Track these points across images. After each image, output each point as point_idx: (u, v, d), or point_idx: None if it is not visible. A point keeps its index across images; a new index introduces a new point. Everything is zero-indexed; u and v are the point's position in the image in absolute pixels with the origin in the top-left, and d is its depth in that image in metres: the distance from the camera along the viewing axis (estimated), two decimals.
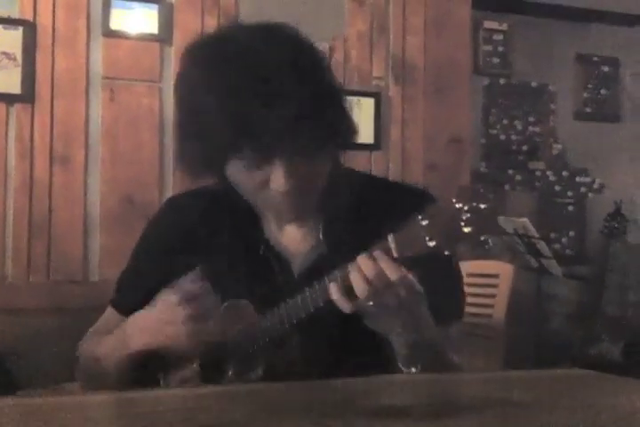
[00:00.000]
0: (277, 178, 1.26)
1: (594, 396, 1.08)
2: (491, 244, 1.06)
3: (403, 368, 1.25)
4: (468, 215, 1.06)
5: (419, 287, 1.18)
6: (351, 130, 1.35)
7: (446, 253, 1.10)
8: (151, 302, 1.35)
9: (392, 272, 1.13)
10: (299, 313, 1.26)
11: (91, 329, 1.54)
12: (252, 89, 1.21)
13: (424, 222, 1.09)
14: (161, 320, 1.29)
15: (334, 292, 1.17)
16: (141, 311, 1.36)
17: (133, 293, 1.48)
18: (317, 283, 1.22)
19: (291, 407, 0.98)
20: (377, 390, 1.12)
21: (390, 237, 1.13)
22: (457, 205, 1.06)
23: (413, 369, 1.23)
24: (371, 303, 1.15)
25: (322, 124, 1.25)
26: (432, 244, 1.08)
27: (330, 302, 1.21)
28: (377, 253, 1.14)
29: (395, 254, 1.13)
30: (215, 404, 1.04)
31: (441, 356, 1.29)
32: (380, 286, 1.13)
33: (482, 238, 1.06)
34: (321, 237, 1.39)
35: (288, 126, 1.20)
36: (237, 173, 1.29)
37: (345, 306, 1.17)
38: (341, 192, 1.39)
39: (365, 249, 1.16)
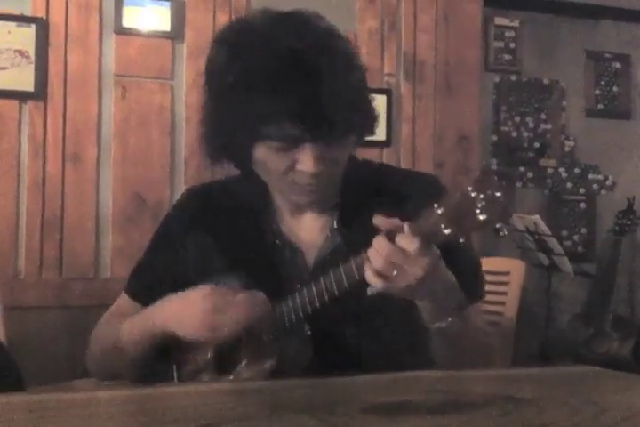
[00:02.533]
0: (306, 160, 1.28)
1: (601, 393, 1.08)
2: (505, 231, 1.07)
3: (431, 325, 1.25)
4: (484, 203, 1.06)
5: (437, 252, 1.18)
6: (373, 117, 1.37)
7: (461, 240, 1.11)
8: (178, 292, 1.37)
9: (408, 244, 1.14)
10: (313, 303, 1.27)
11: (104, 316, 1.55)
12: (284, 73, 1.23)
13: (440, 211, 1.10)
14: (185, 309, 1.31)
15: (367, 270, 1.18)
16: (171, 297, 1.37)
17: (148, 280, 1.50)
18: (333, 272, 1.24)
19: (296, 404, 0.99)
20: (383, 386, 1.13)
21: (406, 226, 1.14)
22: (472, 194, 1.07)
23: (443, 324, 1.24)
24: (394, 273, 1.15)
25: (350, 109, 1.27)
26: (447, 231, 1.09)
27: (345, 291, 1.22)
28: (389, 232, 1.15)
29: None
30: (222, 401, 1.05)
31: (466, 315, 1.29)
32: (399, 259, 1.14)
33: (497, 226, 1.07)
34: (335, 225, 1.40)
35: (319, 110, 1.22)
36: (265, 156, 1.31)
37: (375, 282, 1.17)
38: (356, 182, 1.40)
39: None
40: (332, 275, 1.24)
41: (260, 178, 1.40)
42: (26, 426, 0.90)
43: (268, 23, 1.31)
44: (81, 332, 1.63)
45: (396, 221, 1.16)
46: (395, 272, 1.15)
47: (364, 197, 1.40)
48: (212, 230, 1.46)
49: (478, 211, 1.07)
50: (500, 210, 1.07)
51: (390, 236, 1.15)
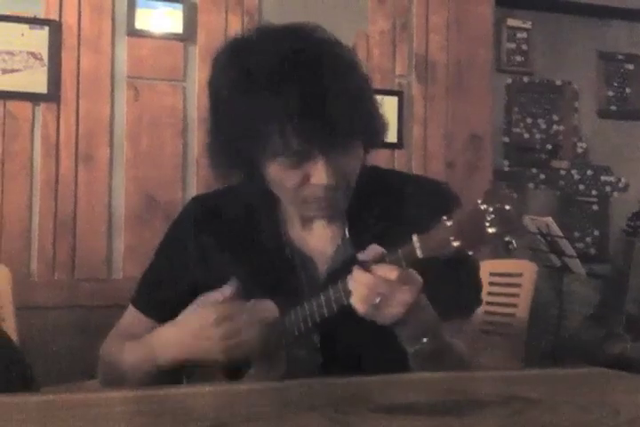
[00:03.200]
0: (319, 172, 1.28)
1: (612, 394, 1.08)
2: (515, 245, 1.07)
3: (409, 348, 1.26)
4: (493, 216, 1.06)
5: (419, 279, 1.19)
6: (383, 125, 1.37)
7: (470, 253, 1.11)
8: (176, 310, 1.36)
9: (389, 273, 1.15)
10: (322, 313, 1.27)
11: (113, 330, 1.55)
12: (285, 88, 1.22)
13: (449, 223, 1.10)
14: (196, 337, 1.30)
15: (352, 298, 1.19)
16: (171, 325, 1.36)
17: (155, 292, 1.49)
18: (341, 282, 1.24)
19: (306, 403, 0.99)
20: (392, 386, 1.13)
21: (415, 238, 1.14)
22: (482, 207, 1.07)
23: (418, 346, 1.24)
24: (377, 300, 1.16)
25: (355, 118, 1.27)
26: (456, 244, 1.09)
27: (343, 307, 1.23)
28: (369, 262, 1.16)
29: (419, 255, 1.14)
30: (231, 401, 1.05)
31: (443, 340, 1.29)
32: (382, 288, 1.15)
33: (506, 239, 1.07)
34: (347, 234, 1.40)
35: (324, 122, 1.22)
36: (277, 173, 1.30)
37: (359, 308, 1.18)
38: (366, 190, 1.40)
39: (392, 249, 1.18)
40: (340, 285, 1.24)
41: (264, 185, 1.39)
42: (37, 426, 0.91)
43: (266, 38, 1.31)
44: (93, 332, 1.64)
45: (375, 249, 1.17)
46: (378, 300, 1.15)
47: (373, 205, 1.40)
48: (221, 239, 1.45)
49: (488, 224, 1.07)
50: (509, 223, 1.07)
51: (369, 265, 1.17)
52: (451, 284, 1.27)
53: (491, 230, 1.07)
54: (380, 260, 1.18)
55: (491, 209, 1.07)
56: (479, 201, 1.08)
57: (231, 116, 1.30)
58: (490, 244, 1.09)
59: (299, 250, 1.42)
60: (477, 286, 1.45)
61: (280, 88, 1.23)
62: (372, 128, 1.35)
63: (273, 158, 1.29)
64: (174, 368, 1.37)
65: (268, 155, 1.29)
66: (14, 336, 2.43)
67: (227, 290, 1.33)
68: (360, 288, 1.17)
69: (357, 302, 1.18)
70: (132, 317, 1.52)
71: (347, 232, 1.40)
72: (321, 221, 1.42)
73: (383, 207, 1.39)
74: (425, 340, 1.24)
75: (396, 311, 1.16)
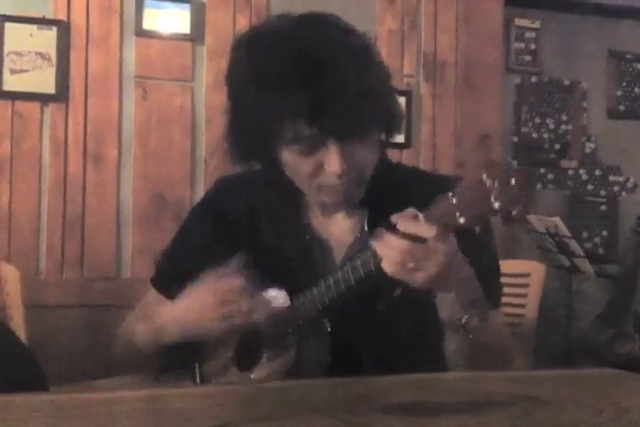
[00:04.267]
0: (332, 160, 1.28)
1: (622, 395, 1.07)
2: (515, 212, 1.06)
3: (450, 319, 1.24)
4: (498, 191, 1.05)
5: (454, 241, 1.18)
6: (397, 113, 1.37)
7: (477, 229, 1.10)
8: (189, 286, 1.37)
9: (425, 231, 1.14)
10: (330, 294, 1.27)
11: (133, 311, 1.56)
12: (299, 75, 1.23)
13: (454, 199, 1.09)
14: (199, 316, 1.32)
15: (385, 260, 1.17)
16: (178, 301, 1.38)
17: (174, 272, 1.50)
18: (348, 263, 1.24)
19: (315, 404, 0.99)
20: (399, 386, 1.12)
21: (420, 216, 1.13)
22: (486, 182, 1.06)
23: (462, 318, 1.23)
24: (411, 265, 1.14)
25: (370, 106, 1.27)
26: (462, 220, 1.09)
27: (361, 282, 1.22)
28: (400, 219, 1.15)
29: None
30: (240, 401, 1.05)
31: (486, 313, 1.28)
32: (416, 250, 1.14)
33: (513, 213, 1.06)
34: (366, 228, 1.40)
35: (338, 109, 1.22)
36: (292, 159, 1.31)
37: (391, 271, 1.16)
38: (388, 185, 1.40)
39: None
40: (347, 266, 1.24)
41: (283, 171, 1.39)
42: (47, 425, 0.91)
43: (283, 26, 1.32)
44: (101, 331, 1.64)
45: (411, 211, 1.16)
46: (411, 264, 1.14)
47: (395, 200, 1.39)
48: (242, 221, 1.46)
49: (493, 198, 1.06)
50: (515, 197, 1.06)
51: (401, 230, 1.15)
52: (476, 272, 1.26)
53: (496, 205, 1.06)
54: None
55: (495, 184, 1.06)
56: (483, 176, 1.07)
57: (247, 105, 1.30)
58: (496, 218, 1.08)
59: (318, 237, 1.42)
60: (498, 277, 1.45)
61: (294, 76, 1.23)
62: (387, 115, 1.35)
63: (286, 146, 1.29)
64: (183, 347, 1.38)
65: (282, 142, 1.29)
66: (23, 335, 2.44)
67: (233, 265, 1.33)
68: (392, 253, 1.15)
69: (389, 267, 1.16)
70: (152, 297, 1.53)
71: (366, 224, 1.40)
72: (341, 211, 1.42)
73: (404, 202, 1.39)
74: (466, 316, 1.23)
75: (431, 272, 1.14)
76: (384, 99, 1.33)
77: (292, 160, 1.31)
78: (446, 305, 1.24)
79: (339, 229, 1.43)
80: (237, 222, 1.46)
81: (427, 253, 1.14)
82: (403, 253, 1.14)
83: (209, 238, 1.47)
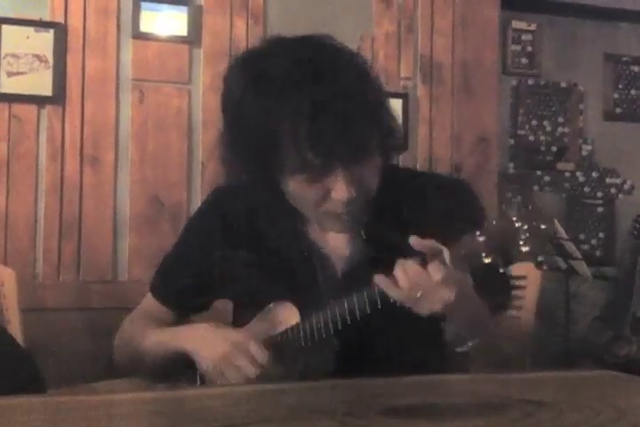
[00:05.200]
0: (340, 187, 1.27)
1: (621, 397, 1.08)
2: (546, 264, 1.06)
3: (453, 348, 1.25)
4: (528, 235, 1.05)
5: (467, 281, 1.18)
6: (398, 133, 1.36)
7: (501, 271, 1.10)
8: (196, 302, 1.37)
9: (435, 272, 1.14)
10: (344, 317, 1.26)
11: (130, 315, 1.55)
12: (304, 104, 1.21)
13: (481, 238, 1.08)
14: (224, 344, 1.32)
15: (381, 280, 1.18)
16: (211, 326, 1.38)
17: (172, 282, 1.50)
18: (366, 288, 1.23)
19: (316, 406, 0.99)
20: (402, 388, 1.12)
21: (445, 251, 1.12)
22: (517, 224, 1.06)
23: (465, 348, 1.23)
24: (419, 295, 1.15)
25: (376, 132, 1.26)
26: (488, 260, 1.08)
27: (375, 308, 1.22)
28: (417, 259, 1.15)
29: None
30: (241, 403, 1.05)
31: (492, 334, 1.29)
32: (425, 283, 1.14)
33: (539, 259, 1.06)
34: (363, 236, 1.39)
35: (342, 136, 1.21)
36: (297, 188, 1.30)
37: (394, 293, 1.16)
38: (386, 194, 1.39)
39: (411, 251, 1.17)
40: (364, 292, 1.23)
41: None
42: None
43: (280, 49, 1.30)
44: (99, 334, 1.64)
45: (432, 244, 1.15)
46: (419, 294, 1.14)
47: (392, 207, 1.39)
48: (240, 233, 1.45)
49: (522, 242, 1.05)
50: (544, 242, 1.05)
51: (423, 260, 1.15)
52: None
53: (525, 249, 1.05)
54: (433, 255, 1.15)
55: (526, 227, 1.05)
56: (514, 218, 1.06)
57: (247, 133, 1.28)
58: (522, 261, 1.08)
59: (317, 249, 1.42)
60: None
61: (295, 103, 1.21)
62: (390, 139, 1.34)
63: (292, 175, 1.28)
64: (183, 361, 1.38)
65: (287, 171, 1.27)
66: (20, 338, 2.44)
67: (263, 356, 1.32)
68: (404, 278, 1.16)
69: (395, 292, 1.17)
70: (149, 303, 1.53)
71: (363, 234, 1.39)
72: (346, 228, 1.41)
73: (402, 210, 1.38)
74: (470, 344, 1.23)
75: (437, 306, 1.16)
76: (384, 120, 1.32)
77: (298, 189, 1.30)
78: (449, 334, 1.24)
79: (337, 240, 1.42)
80: (236, 233, 1.45)
81: (438, 285, 1.14)
82: (413, 280, 1.14)
83: (206, 249, 1.47)
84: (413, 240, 1.16)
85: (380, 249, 1.30)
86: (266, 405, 1.03)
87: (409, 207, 1.38)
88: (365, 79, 1.31)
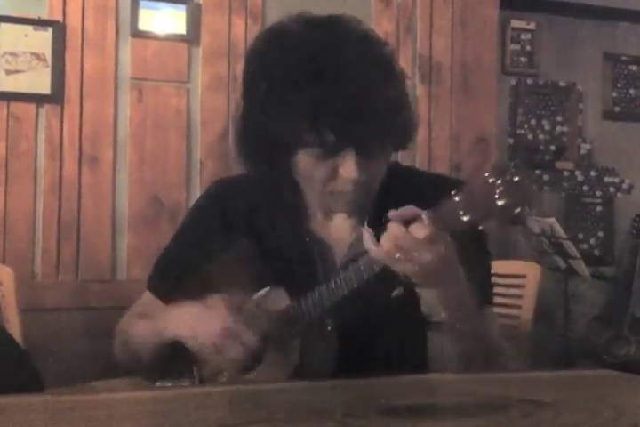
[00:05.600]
0: (349, 166, 1.28)
1: (620, 397, 1.08)
2: (528, 210, 1.07)
3: (431, 319, 1.25)
4: (502, 188, 1.06)
5: (450, 243, 1.18)
6: (413, 125, 1.37)
7: (480, 227, 1.11)
8: (194, 296, 1.37)
9: (418, 231, 1.14)
10: (333, 296, 1.27)
11: (129, 310, 1.56)
12: (323, 80, 1.22)
13: (457, 198, 1.10)
14: (207, 324, 1.31)
15: (366, 238, 1.19)
16: (192, 305, 1.37)
17: (169, 276, 1.49)
18: (351, 266, 1.24)
19: (314, 406, 0.99)
20: (401, 388, 1.12)
21: (424, 214, 1.14)
22: (490, 180, 1.07)
23: (442, 314, 1.23)
24: (400, 254, 1.15)
25: (388, 119, 1.27)
26: (466, 218, 1.09)
27: (365, 286, 1.22)
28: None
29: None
30: (237, 403, 1.05)
31: (478, 317, 1.28)
32: (406, 243, 1.14)
33: (516, 211, 1.07)
34: (366, 226, 1.39)
35: (361, 116, 1.22)
36: (307, 163, 1.31)
37: (375, 251, 1.17)
38: (390, 187, 1.40)
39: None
40: (350, 269, 1.24)
41: (288, 174, 1.39)
42: (43, 426, 0.91)
43: (303, 29, 1.30)
44: (98, 333, 1.64)
45: (411, 209, 1.16)
46: (398, 255, 1.15)
47: (394, 200, 1.39)
48: (240, 224, 1.45)
49: (497, 196, 1.06)
50: (518, 194, 1.06)
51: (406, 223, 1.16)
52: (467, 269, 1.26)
53: (500, 202, 1.06)
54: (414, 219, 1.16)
55: (499, 182, 1.06)
56: (487, 174, 1.07)
57: (266, 105, 1.29)
58: (500, 216, 1.08)
59: (318, 239, 1.42)
60: (490, 279, 1.45)
61: (318, 80, 1.22)
62: (404, 130, 1.35)
63: (304, 149, 1.29)
64: (182, 348, 1.38)
65: (300, 144, 1.28)
66: (19, 337, 2.44)
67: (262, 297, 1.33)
68: (386, 236, 1.16)
69: (378, 252, 1.17)
70: (147, 298, 1.53)
71: (366, 226, 1.40)
72: (342, 213, 1.42)
73: (404, 202, 1.39)
74: (443, 314, 1.23)
75: (419, 265, 1.15)
76: (402, 109, 1.33)
77: (308, 164, 1.31)
78: (426, 302, 1.24)
79: (338, 230, 1.43)
80: (235, 225, 1.46)
81: (420, 245, 1.14)
82: (395, 240, 1.15)
83: (206, 241, 1.47)
84: (391, 213, 1.17)
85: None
86: (262, 405, 1.03)
87: (408, 202, 1.39)
88: (392, 70, 1.32)
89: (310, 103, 1.22)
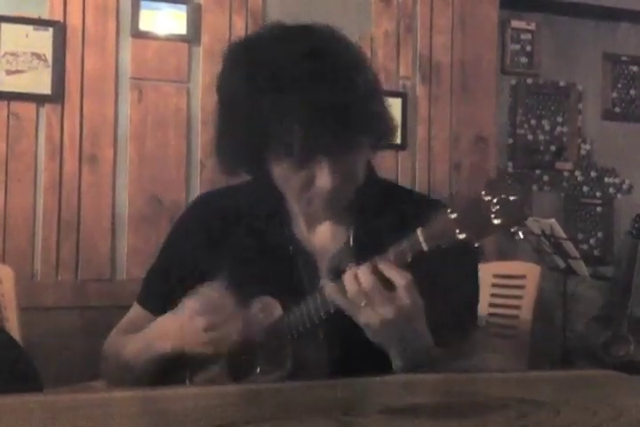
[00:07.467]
0: (323, 176, 1.28)
1: (618, 397, 1.08)
2: (521, 235, 1.07)
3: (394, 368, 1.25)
4: (498, 207, 1.06)
5: (418, 299, 1.17)
6: (390, 124, 1.36)
7: (476, 245, 1.10)
8: (178, 304, 1.36)
9: (396, 276, 1.14)
10: (325, 309, 1.26)
11: (117, 326, 1.55)
12: (290, 88, 1.22)
13: (453, 215, 1.09)
14: (183, 328, 1.31)
15: (330, 287, 1.19)
16: (166, 316, 1.38)
17: (159, 290, 1.50)
18: (340, 279, 1.23)
19: (311, 405, 0.99)
20: (398, 388, 1.12)
21: (419, 231, 1.13)
22: (486, 198, 1.06)
23: (403, 369, 1.23)
24: (363, 303, 1.15)
25: (361, 118, 1.26)
26: (462, 236, 1.09)
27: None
28: (379, 261, 1.15)
29: (424, 248, 1.13)
30: (236, 402, 1.05)
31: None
32: (374, 293, 1.14)
33: (512, 230, 1.07)
34: (351, 238, 1.40)
35: (329, 122, 1.22)
36: (282, 173, 1.31)
37: (338, 299, 1.17)
38: (373, 200, 1.40)
39: (397, 241, 1.17)
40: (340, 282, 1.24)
41: (272, 183, 1.39)
42: (42, 426, 0.91)
43: (277, 37, 1.30)
44: (97, 333, 1.63)
45: (393, 252, 1.16)
46: (363, 303, 1.14)
47: (378, 215, 1.39)
48: (225, 237, 1.45)
49: (493, 215, 1.06)
50: (515, 213, 1.06)
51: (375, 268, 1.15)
52: (446, 302, 1.25)
53: (496, 222, 1.06)
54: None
55: (495, 200, 1.06)
56: (483, 192, 1.07)
57: (238, 115, 1.29)
58: (495, 234, 1.08)
59: (302, 249, 1.42)
60: (474, 306, 1.43)
61: (287, 89, 1.22)
62: (378, 128, 1.34)
63: (278, 159, 1.29)
64: (171, 361, 1.37)
65: (273, 155, 1.29)
66: (18, 336, 2.44)
67: (216, 285, 1.33)
68: (351, 283, 1.16)
69: (339, 296, 1.17)
70: (135, 313, 1.53)
71: (351, 236, 1.40)
72: (326, 221, 1.42)
73: (387, 218, 1.39)
74: (400, 365, 1.23)
75: (380, 318, 1.15)
76: (374, 108, 1.32)
77: (282, 174, 1.31)
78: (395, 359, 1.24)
79: (322, 240, 1.42)
80: (220, 235, 1.45)
81: (386, 299, 1.14)
82: (361, 287, 1.14)
83: (191, 255, 1.47)
84: (377, 259, 1.16)
85: (366, 249, 1.30)
86: (260, 404, 1.03)
87: (391, 213, 1.39)
88: (358, 69, 1.31)
89: (276, 114, 1.22)
